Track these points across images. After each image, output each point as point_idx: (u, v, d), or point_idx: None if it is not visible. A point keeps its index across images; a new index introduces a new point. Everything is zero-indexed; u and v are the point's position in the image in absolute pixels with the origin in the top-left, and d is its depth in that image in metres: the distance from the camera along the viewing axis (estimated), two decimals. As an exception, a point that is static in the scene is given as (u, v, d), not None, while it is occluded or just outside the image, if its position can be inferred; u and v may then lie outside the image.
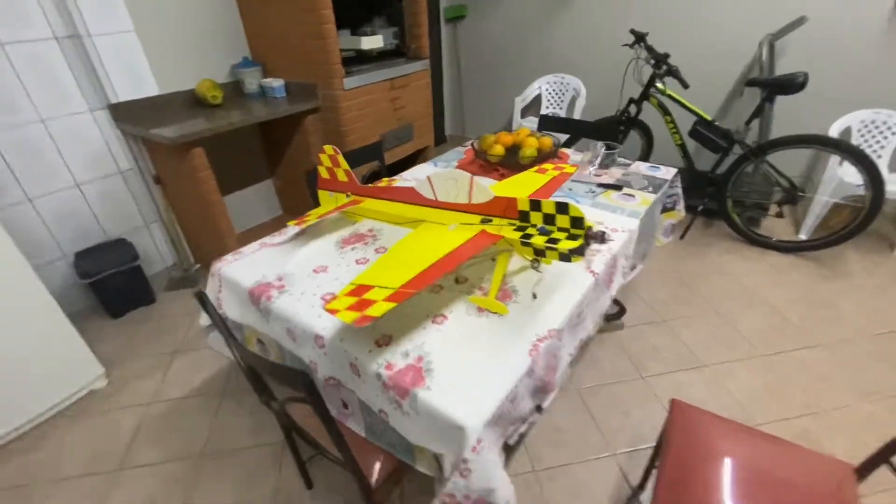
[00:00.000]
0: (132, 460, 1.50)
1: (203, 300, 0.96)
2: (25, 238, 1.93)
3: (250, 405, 1.66)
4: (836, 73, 2.50)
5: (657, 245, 1.71)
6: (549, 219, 0.89)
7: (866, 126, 2.43)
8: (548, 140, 1.63)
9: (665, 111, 2.52)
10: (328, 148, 1.26)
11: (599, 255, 1.14)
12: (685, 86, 2.29)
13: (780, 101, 2.57)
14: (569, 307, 0.97)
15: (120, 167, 2.18)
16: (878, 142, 2.43)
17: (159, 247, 2.47)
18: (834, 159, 2.30)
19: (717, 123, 2.36)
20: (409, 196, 1.13)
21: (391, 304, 0.75)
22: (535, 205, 0.90)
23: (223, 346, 1.22)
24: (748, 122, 2.35)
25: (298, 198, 2.80)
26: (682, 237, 2.60)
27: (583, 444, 1.50)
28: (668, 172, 1.62)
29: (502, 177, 1.56)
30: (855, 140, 2.45)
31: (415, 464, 0.90)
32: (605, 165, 1.63)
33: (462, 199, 1.01)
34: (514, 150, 1.62)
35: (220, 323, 0.94)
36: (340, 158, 1.26)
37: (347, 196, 1.30)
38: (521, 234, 0.90)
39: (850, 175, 2.25)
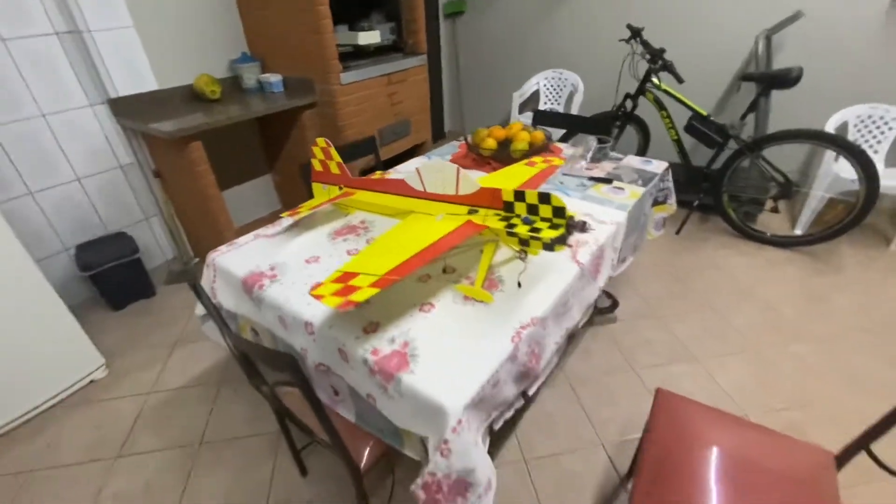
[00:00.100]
0: (131, 448, 1.54)
1: (196, 289, 0.99)
2: (27, 231, 1.96)
3: (247, 395, 1.69)
4: (833, 68, 2.49)
5: (648, 238, 1.72)
6: (532, 209, 0.90)
7: (863, 121, 2.43)
8: (539, 134, 1.65)
9: (661, 106, 2.53)
10: (320, 140, 1.29)
11: (586, 247, 1.15)
12: (680, 80, 2.30)
13: (778, 96, 2.58)
14: (553, 296, 0.99)
15: (120, 161, 2.21)
16: (874, 136, 2.43)
17: (159, 240, 2.50)
18: (829, 154, 2.30)
19: (712, 118, 2.37)
20: (399, 188, 1.15)
21: (375, 290, 0.77)
22: (519, 195, 0.91)
23: (218, 336, 1.25)
24: (743, 117, 2.36)
25: (297, 193, 2.83)
26: (677, 232, 2.61)
27: (573, 434, 1.52)
28: (658, 166, 1.63)
29: (494, 170, 1.58)
30: (851, 135, 2.45)
31: (403, 448, 0.93)
32: (596, 159, 1.65)
33: (449, 191, 1.03)
34: (506, 144, 1.64)
35: (213, 310, 0.97)
36: (333, 151, 1.29)
37: (340, 188, 1.32)
38: (505, 223, 0.92)
39: (845, 170, 2.25)
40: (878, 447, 0.89)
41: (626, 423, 1.55)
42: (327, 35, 2.17)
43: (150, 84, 2.17)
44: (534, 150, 1.60)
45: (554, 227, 0.86)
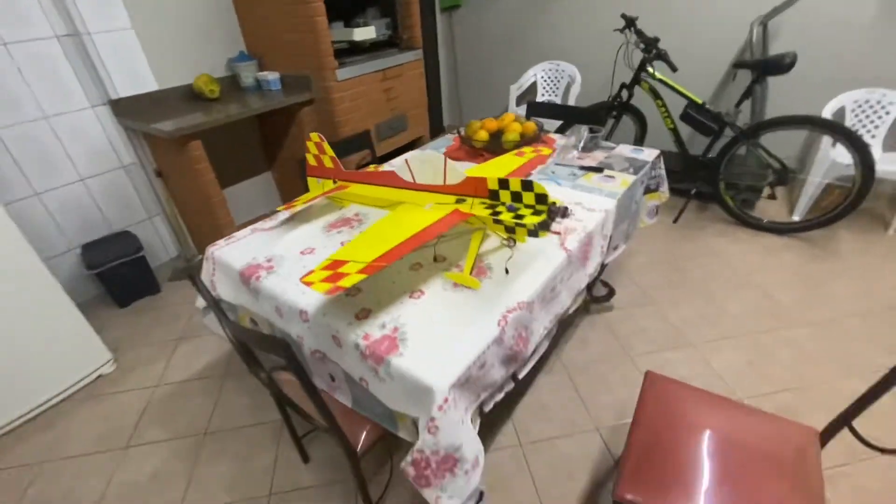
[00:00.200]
0: (139, 439, 1.59)
1: (195, 281, 1.03)
2: (34, 231, 2.01)
3: (250, 387, 1.73)
4: (830, 54, 2.48)
5: (641, 226, 1.74)
6: (516, 196, 0.93)
7: (860, 106, 2.42)
8: (531, 125, 1.66)
9: (656, 95, 2.53)
10: (314, 135, 1.31)
11: (574, 234, 1.18)
12: (674, 69, 2.30)
13: (775, 82, 2.57)
14: (539, 281, 1.02)
15: (122, 161, 2.26)
16: (872, 121, 2.42)
17: (163, 238, 2.55)
18: (826, 140, 2.30)
19: (707, 107, 2.37)
20: (390, 179, 1.17)
21: (362, 276, 0.80)
22: (504, 183, 0.94)
23: (219, 327, 1.28)
24: (738, 104, 2.36)
25: (297, 189, 2.86)
26: (675, 221, 2.62)
27: (569, 420, 1.55)
28: (650, 154, 1.65)
29: (486, 161, 1.60)
30: (849, 120, 2.44)
31: (397, 431, 0.96)
32: (588, 149, 1.66)
33: (438, 181, 1.06)
34: (498, 135, 1.66)
35: (211, 301, 1.00)
36: (326, 146, 1.32)
37: (334, 182, 1.35)
38: (490, 211, 0.94)
39: (842, 156, 2.25)
40: (863, 426, 0.91)
41: (621, 408, 1.57)
42: (322, 32, 2.19)
43: (149, 84, 2.20)
44: (525, 140, 1.62)
45: (537, 213, 0.89)
